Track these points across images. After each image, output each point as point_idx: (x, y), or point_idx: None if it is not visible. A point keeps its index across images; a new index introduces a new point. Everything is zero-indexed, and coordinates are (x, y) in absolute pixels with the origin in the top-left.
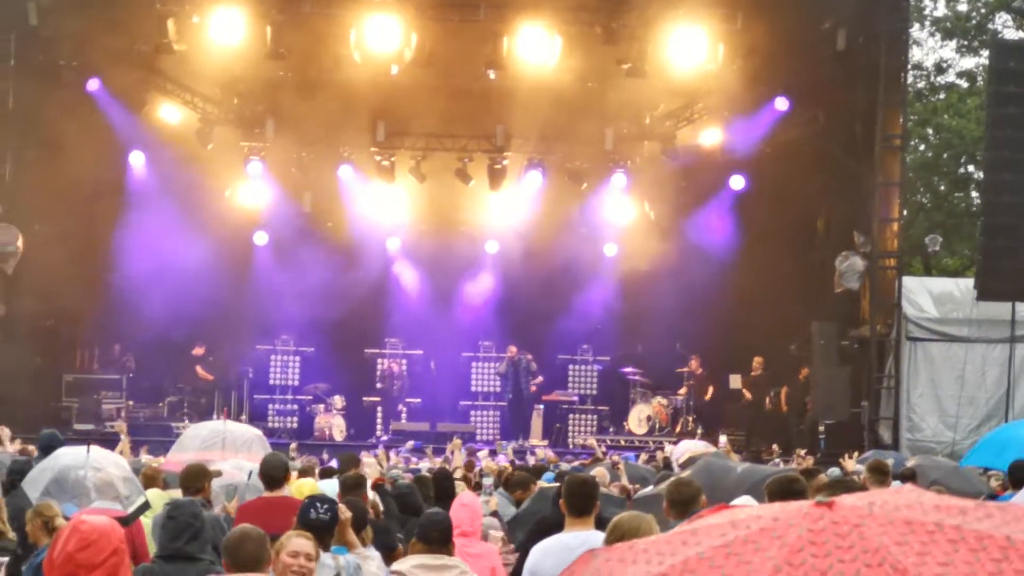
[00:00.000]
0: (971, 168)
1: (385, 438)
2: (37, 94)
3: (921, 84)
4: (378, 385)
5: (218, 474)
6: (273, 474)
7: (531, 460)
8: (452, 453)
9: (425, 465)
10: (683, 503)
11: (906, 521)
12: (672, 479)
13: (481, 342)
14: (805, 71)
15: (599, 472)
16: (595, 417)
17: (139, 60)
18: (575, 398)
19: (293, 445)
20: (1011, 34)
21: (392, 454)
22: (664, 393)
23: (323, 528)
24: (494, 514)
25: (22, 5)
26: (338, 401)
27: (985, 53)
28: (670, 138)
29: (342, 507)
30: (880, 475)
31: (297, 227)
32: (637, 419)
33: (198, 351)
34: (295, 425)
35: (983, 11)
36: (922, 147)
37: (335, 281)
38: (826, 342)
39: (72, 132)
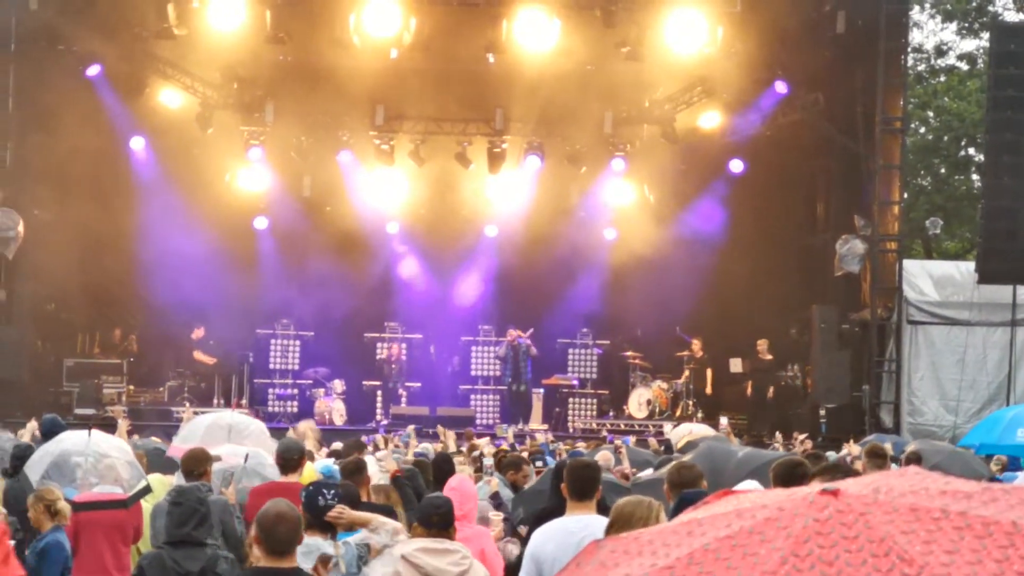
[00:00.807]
0: (972, 151)
1: (385, 422)
2: (37, 79)
3: (921, 67)
4: (379, 369)
5: (218, 459)
6: (289, 457)
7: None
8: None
9: (428, 447)
10: (684, 486)
11: (911, 508)
12: (674, 462)
13: (481, 326)
14: (805, 54)
15: (604, 456)
16: (595, 401)
17: (139, 45)
18: (575, 382)
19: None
20: (1011, 16)
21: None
22: (664, 377)
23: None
24: (495, 495)
25: None
26: (338, 385)
27: (985, 35)
28: (669, 122)
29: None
30: (878, 459)
31: (297, 211)
32: (637, 403)
33: (197, 334)
34: (295, 409)
35: None
36: (922, 130)
37: (335, 265)
38: (827, 326)
39: (72, 117)
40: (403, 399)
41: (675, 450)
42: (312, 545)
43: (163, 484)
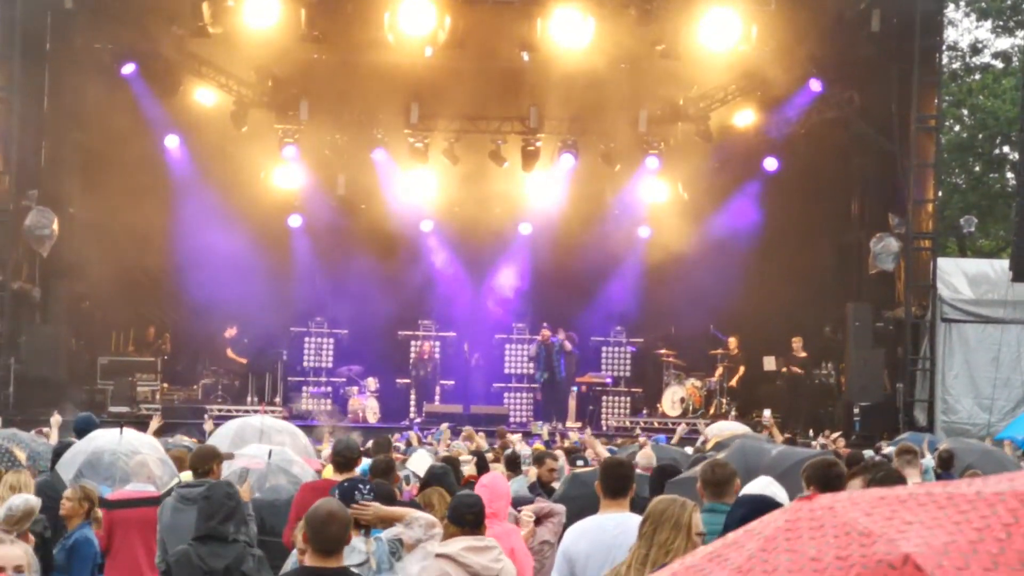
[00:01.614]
0: (1006, 149)
1: (419, 420)
2: (73, 78)
3: (956, 65)
4: (411, 369)
5: (230, 456)
6: (347, 455)
7: (565, 443)
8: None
9: (462, 446)
10: (718, 484)
11: (879, 497)
12: (707, 460)
13: (514, 324)
14: (839, 52)
15: (646, 454)
16: (628, 399)
17: (174, 43)
18: (608, 380)
19: (328, 430)
20: None
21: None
22: (698, 375)
23: None
24: (532, 486)
25: None
26: (371, 383)
27: (1020, 33)
28: (704, 120)
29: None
30: (910, 456)
31: (331, 209)
32: (671, 401)
33: (230, 332)
34: (329, 407)
35: None
36: (957, 128)
37: (369, 264)
38: (861, 324)
39: (107, 116)
40: (437, 397)
41: (705, 449)
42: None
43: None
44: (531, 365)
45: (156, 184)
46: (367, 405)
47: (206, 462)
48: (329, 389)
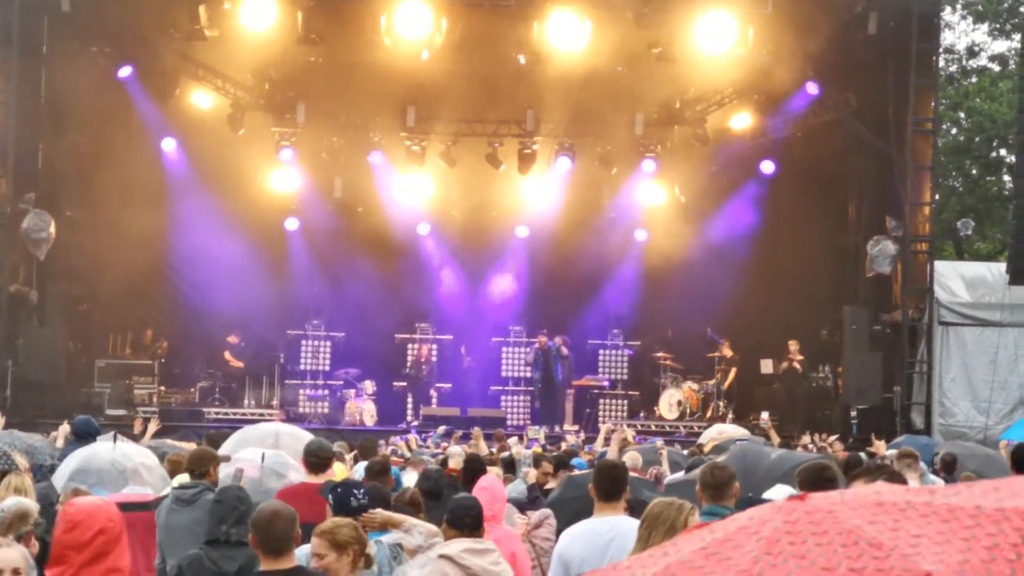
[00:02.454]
0: (1003, 152)
1: (416, 423)
2: (69, 80)
3: (953, 68)
4: (408, 371)
5: (227, 459)
6: (321, 455)
7: (563, 446)
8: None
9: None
10: (716, 487)
11: (877, 503)
12: (707, 463)
13: (511, 327)
14: (836, 55)
15: (632, 456)
16: (625, 402)
17: (171, 46)
18: (606, 383)
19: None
20: None
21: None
22: (695, 378)
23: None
24: (532, 488)
25: None
26: (368, 386)
27: (1017, 36)
28: (700, 123)
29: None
30: (910, 460)
31: (328, 212)
32: (668, 404)
33: (232, 339)
34: (326, 410)
35: None
36: (954, 131)
37: (366, 266)
38: (858, 327)
39: (104, 119)
40: (434, 400)
41: (703, 452)
42: None
43: None
44: (528, 369)
45: (153, 187)
46: (364, 408)
47: (203, 464)
48: (326, 392)
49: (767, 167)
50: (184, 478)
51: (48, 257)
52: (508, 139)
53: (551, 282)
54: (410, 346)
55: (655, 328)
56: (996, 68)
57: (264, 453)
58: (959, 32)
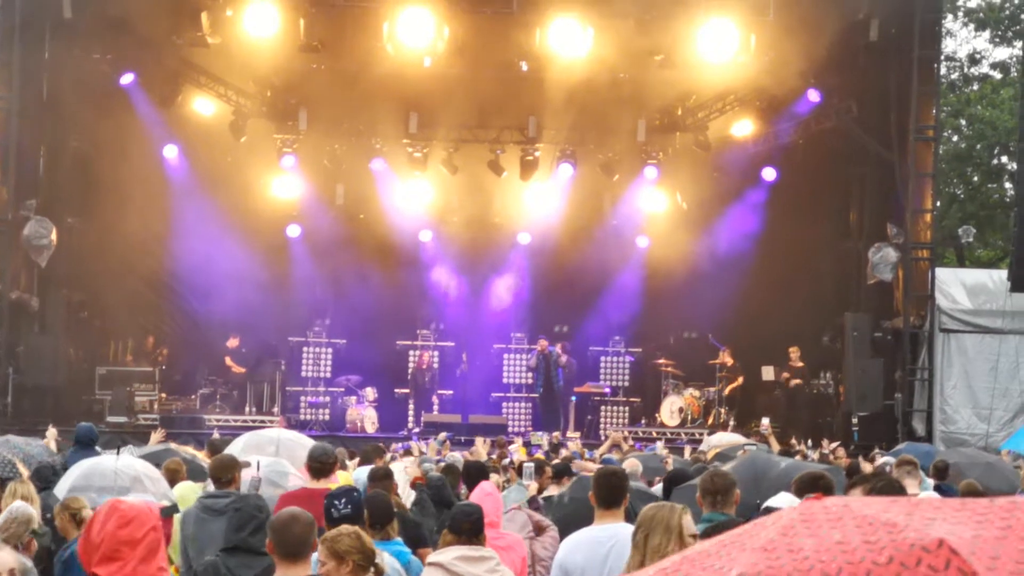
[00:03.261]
0: (1004, 159)
1: (417, 430)
2: (71, 87)
3: (954, 75)
4: (410, 378)
5: (247, 465)
6: (323, 461)
7: (563, 453)
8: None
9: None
10: (717, 493)
11: (891, 500)
12: (708, 470)
13: (513, 334)
14: (838, 62)
15: (631, 464)
16: (627, 409)
17: (173, 53)
18: (607, 390)
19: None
20: None
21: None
22: (696, 385)
23: (350, 522)
24: (532, 500)
25: None
26: (370, 393)
27: (1019, 44)
28: (702, 129)
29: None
30: (909, 467)
31: (330, 219)
32: (669, 411)
33: (232, 343)
34: (327, 417)
35: (1016, 2)
36: (955, 138)
37: (367, 273)
38: (859, 334)
39: (106, 125)
40: (435, 407)
41: (707, 459)
42: None
43: (194, 490)
44: (530, 375)
45: (155, 194)
46: (365, 415)
47: (228, 471)
48: (328, 399)
49: (769, 174)
50: (187, 486)
51: (49, 264)
52: (510, 146)
53: (553, 289)
54: (411, 353)
55: (657, 335)
56: (997, 75)
57: (259, 461)
58: (960, 39)
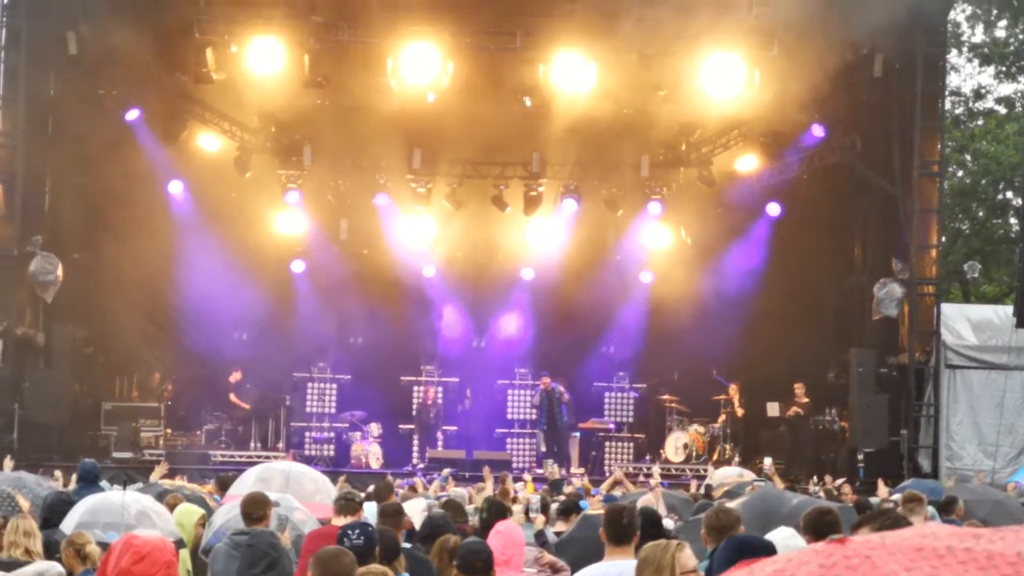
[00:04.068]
0: (1009, 194)
1: (421, 466)
2: (76, 123)
3: (959, 110)
4: (415, 414)
5: (276, 504)
6: (349, 498)
7: (568, 488)
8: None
9: (458, 491)
10: (721, 530)
11: (916, 548)
12: (713, 506)
13: (517, 369)
14: (842, 97)
15: (648, 499)
16: (631, 445)
17: (178, 89)
18: (611, 426)
19: (343, 478)
20: None
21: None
22: (701, 420)
23: (360, 554)
24: (540, 534)
25: (62, 34)
26: (374, 429)
27: (1023, 79)
28: (706, 165)
29: None
30: (915, 503)
31: (334, 255)
32: (674, 447)
33: (235, 377)
34: (332, 453)
35: (1021, 37)
36: (960, 173)
37: (371, 309)
38: (864, 369)
39: (111, 161)
40: (440, 442)
41: (713, 497)
42: None
43: (191, 514)
44: (534, 411)
45: (160, 229)
46: (370, 451)
47: (259, 508)
48: (332, 435)
49: (773, 209)
50: (184, 508)
51: (55, 300)
52: (514, 181)
53: (557, 324)
54: (416, 388)
55: (661, 370)
56: (1003, 111)
57: (276, 500)
58: (965, 75)
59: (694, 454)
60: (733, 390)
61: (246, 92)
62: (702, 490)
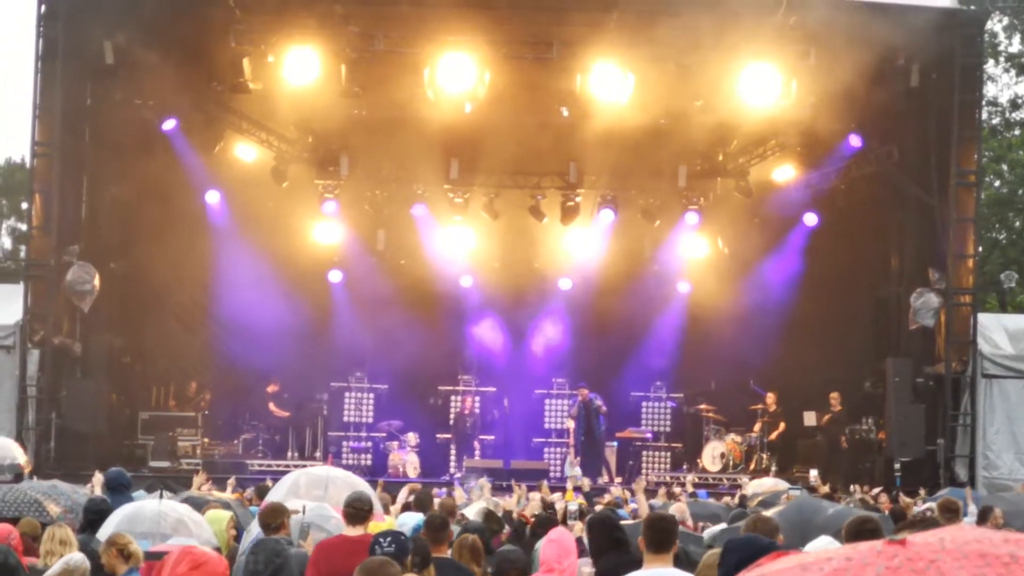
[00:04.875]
0: None
1: (459, 475)
2: (113, 133)
3: (996, 120)
4: (452, 423)
5: (295, 512)
6: (357, 507)
7: (605, 498)
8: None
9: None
10: None
11: (980, 554)
12: (751, 515)
13: (554, 379)
14: (879, 107)
15: (678, 508)
16: (668, 454)
17: (215, 99)
18: (648, 435)
19: (380, 482)
20: None
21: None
22: (738, 430)
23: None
24: (578, 541)
25: (99, 44)
26: (412, 438)
27: None
28: (743, 175)
29: None
30: (950, 513)
31: (371, 265)
32: (711, 456)
33: (272, 388)
34: (369, 462)
35: None
36: (997, 183)
37: (409, 319)
38: (901, 379)
39: (148, 170)
40: (477, 452)
41: (748, 506)
42: None
43: (219, 519)
44: (572, 422)
45: (197, 239)
46: (407, 460)
47: (276, 517)
48: (369, 444)
49: (810, 219)
50: (214, 513)
51: (92, 309)
52: (551, 191)
53: (594, 334)
54: (454, 398)
55: (698, 380)
56: None
57: (305, 505)
58: (1002, 84)
59: (731, 463)
60: (770, 399)
61: (282, 102)
62: (736, 500)
